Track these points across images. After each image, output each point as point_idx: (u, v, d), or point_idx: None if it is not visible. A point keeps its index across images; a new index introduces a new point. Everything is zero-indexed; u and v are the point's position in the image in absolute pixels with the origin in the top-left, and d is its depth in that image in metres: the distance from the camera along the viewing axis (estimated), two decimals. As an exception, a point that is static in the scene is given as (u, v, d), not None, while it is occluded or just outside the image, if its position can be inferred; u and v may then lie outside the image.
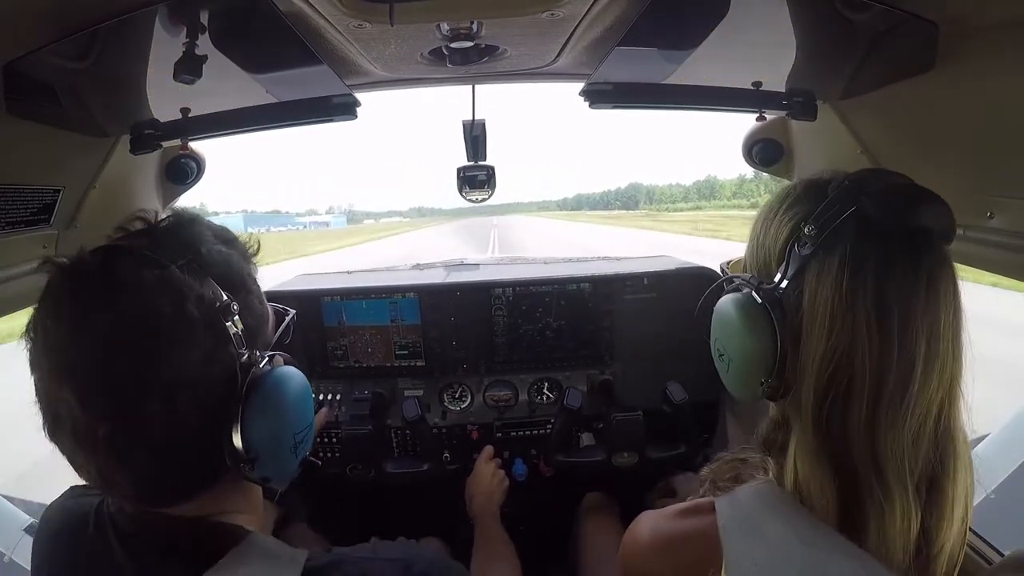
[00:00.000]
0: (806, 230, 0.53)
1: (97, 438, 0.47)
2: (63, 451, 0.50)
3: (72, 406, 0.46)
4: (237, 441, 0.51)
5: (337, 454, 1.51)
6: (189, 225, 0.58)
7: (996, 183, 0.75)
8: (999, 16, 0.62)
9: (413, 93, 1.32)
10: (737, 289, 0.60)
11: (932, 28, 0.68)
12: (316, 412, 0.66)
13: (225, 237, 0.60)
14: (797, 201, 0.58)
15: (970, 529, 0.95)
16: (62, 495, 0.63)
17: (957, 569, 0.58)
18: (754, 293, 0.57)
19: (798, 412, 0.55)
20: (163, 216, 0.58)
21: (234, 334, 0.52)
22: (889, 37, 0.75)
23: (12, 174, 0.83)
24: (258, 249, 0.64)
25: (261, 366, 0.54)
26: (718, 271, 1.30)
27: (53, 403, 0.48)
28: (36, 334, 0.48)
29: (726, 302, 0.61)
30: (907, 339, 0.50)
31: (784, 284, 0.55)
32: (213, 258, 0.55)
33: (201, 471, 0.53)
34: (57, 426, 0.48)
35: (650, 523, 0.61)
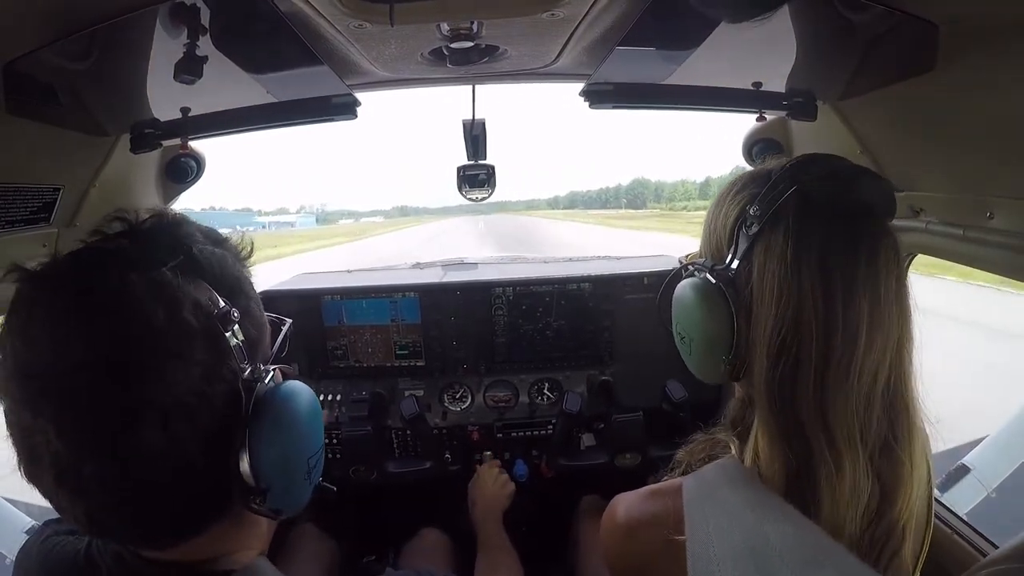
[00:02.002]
0: (752, 211, 0.57)
1: (83, 477, 0.41)
2: (43, 492, 0.43)
3: (51, 440, 0.40)
4: (245, 471, 0.45)
5: (338, 456, 1.51)
6: (175, 225, 0.51)
7: (996, 183, 0.75)
8: (999, 17, 0.62)
9: (403, 92, 1.32)
10: (693, 275, 0.63)
11: (932, 29, 0.68)
12: None
13: (215, 238, 0.54)
14: (744, 187, 0.61)
15: (968, 525, 0.96)
16: (35, 534, 0.56)
17: (926, 544, 0.62)
18: (708, 274, 0.60)
19: (755, 386, 0.58)
20: (144, 217, 0.50)
21: (234, 345, 0.46)
22: (889, 38, 0.75)
23: (12, 173, 0.83)
24: (251, 251, 0.57)
25: (266, 382, 0.48)
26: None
27: (28, 436, 0.41)
28: (4, 356, 0.41)
29: (683, 287, 0.64)
30: (851, 304, 0.53)
31: (735, 264, 0.58)
32: (207, 259, 0.48)
33: (204, 506, 0.47)
34: (35, 464, 0.42)
35: (624, 505, 0.64)
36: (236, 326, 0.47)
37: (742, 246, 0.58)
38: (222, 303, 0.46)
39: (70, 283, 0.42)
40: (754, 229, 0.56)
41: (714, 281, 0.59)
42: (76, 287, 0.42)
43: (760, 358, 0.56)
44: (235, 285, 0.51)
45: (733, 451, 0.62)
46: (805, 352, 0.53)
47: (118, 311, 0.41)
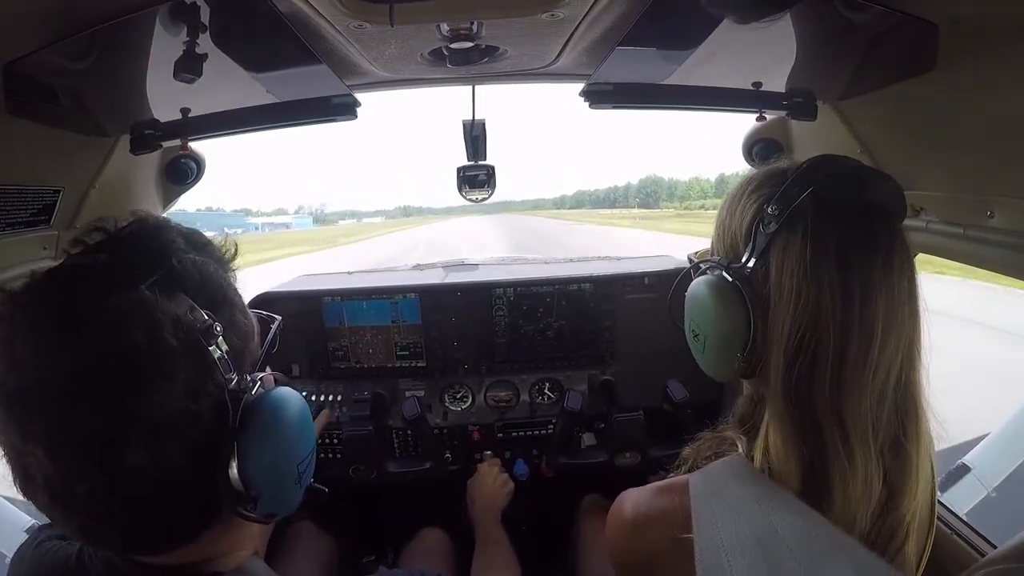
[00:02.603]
0: (769, 210, 0.57)
1: (75, 495, 0.42)
2: (39, 507, 0.44)
3: (42, 462, 0.41)
4: (235, 480, 0.46)
5: (338, 455, 1.51)
6: (156, 232, 0.50)
7: (996, 183, 0.75)
8: (999, 17, 0.62)
9: (403, 91, 1.32)
10: (706, 273, 0.63)
11: (932, 29, 0.68)
12: (317, 414, 0.61)
13: (197, 242, 0.53)
14: (760, 186, 0.62)
15: (967, 525, 0.96)
16: (31, 537, 0.57)
17: (929, 543, 0.62)
18: (724, 272, 0.60)
19: (769, 383, 0.58)
20: (124, 223, 0.50)
21: (218, 358, 0.46)
22: (889, 38, 0.75)
23: (12, 174, 0.83)
24: (235, 253, 0.56)
25: (253, 392, 0.48)
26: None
27: (20, 457, 0.42)
28: None
29: (699, 284, 0.63)
30: (868, 302, 0.53)
31: (752, 262, 0.58)
32: (187, 270, 0.48)
33: (196, 516, 0.48)
34: (29, 482, 0.43)
35: (632, 501, 0.64)
36: (220, 338, 0.46)
37: (759, 245, 0.58)
38: (205, 317, 0.46)
39: (50, 300, 0.42)
40: (771, 228, 0.56)
41: (730, 279, 0.59)
42: (57, 303, 0.42)
43: (777, 355, 0.56)
44: (218, 294, 0.50)
45: (740, 449, 0.62)
46: (823, 349, 0.54)
47: (98, 333, 0.41)
